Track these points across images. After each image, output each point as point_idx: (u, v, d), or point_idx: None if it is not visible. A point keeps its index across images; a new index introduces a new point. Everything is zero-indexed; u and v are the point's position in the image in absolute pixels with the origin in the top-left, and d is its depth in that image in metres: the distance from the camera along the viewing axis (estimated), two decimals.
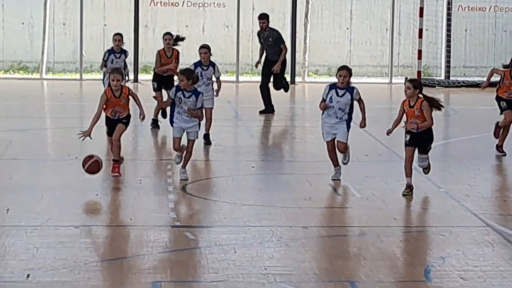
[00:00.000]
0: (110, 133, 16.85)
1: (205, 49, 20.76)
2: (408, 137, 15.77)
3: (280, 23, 33.49)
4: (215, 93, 20.70)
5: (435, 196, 16.03)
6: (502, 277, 11.81)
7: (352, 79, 33.95)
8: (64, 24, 34.24)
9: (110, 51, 23.01)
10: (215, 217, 14.51)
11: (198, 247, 12.85)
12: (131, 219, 14.24)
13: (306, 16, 33.01)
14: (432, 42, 33.09)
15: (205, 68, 20.50)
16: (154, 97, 19.19)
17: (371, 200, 15.75)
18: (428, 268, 12.16)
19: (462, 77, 33.18)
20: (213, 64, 20.75)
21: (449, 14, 33.04)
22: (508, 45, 34.65)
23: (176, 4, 33.99)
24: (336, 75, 17.12)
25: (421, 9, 31.39)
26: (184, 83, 16.40)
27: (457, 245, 13.03)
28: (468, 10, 34.18)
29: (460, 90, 31.24)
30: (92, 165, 16.17)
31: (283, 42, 25.40)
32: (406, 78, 31.98)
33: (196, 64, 20.49)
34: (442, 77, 32.90)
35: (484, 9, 34.34)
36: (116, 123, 16.68)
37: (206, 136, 20.37)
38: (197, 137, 17.07)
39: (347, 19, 34.49)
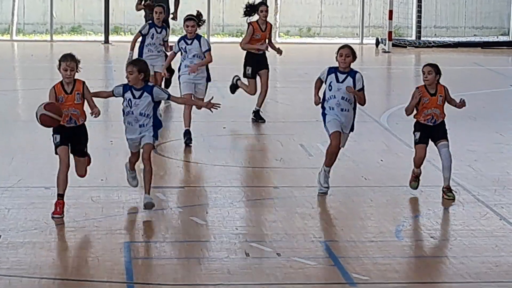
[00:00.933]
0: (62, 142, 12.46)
1: (192, 21, 17.38)
2: (418, 134, 13.41)
3: None
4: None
5: (406, 156, 16.04)
6: (472, 236, 11.89)
7: (323, 40, 34.21)
8: None
9: (151, 25, 19.77)
10: (186, 178, 14.52)
11: (169, 208, 12.87)
12: (102, 180, 14.22)
13: None
14: (403, 2, 33.10)
15: (189, 42, 17.33)
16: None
17: (342, 160, 15.72)
18: (399, 228, 12.23)
19: (433, 38, 33.23)
20: (198, 37, 17.57)
21: None
22: (479, 5, 34.76)
23: None
24: (336, 55, 13.51)
25: None
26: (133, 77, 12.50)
27: (428, 205, 13.11)
28: None
29: (431, 51, 31.28)
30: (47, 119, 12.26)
31: None
32: (379, 41, 32.05)
33: (180, 38, 17.57)
34: (413, 38, 32.94)
35: None
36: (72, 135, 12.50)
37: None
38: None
39: None
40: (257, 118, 19.19)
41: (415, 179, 13.67)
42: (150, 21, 20.01)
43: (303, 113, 20.27)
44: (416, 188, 13.67)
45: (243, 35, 20.65)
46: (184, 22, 17.29)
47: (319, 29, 34.58)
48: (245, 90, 19.45)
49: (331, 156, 13.04)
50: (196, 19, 17.23)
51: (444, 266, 10.97)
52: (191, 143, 16.59)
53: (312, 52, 30.75)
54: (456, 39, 33.09)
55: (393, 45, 31.31)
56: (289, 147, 16.86)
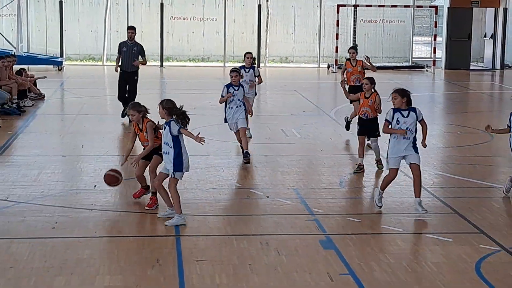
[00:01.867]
0: None
1: (235, 72, 13.63)
2: (358, 127, 12.82)
3: (251, 30, 33.32)
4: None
5: (346, 136, 16.00)
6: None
7: (295, 65, 33.82)
8: None
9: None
10: (211, 149, 14.41)
11: (200, 168, 12.79)
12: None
13: (267, 25, 32.80)
14: (344, 42, 32.94)
15: (236, 88, 13.56)
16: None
17: (307, 139, 15.74)
18: (342, 180, 12.19)
19: None
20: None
21: (354, 25, 32.89)
22: (391, 43, 34.65)
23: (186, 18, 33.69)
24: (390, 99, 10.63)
25: (337, 21, 31.25)
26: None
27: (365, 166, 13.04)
28: (367, 22, 34.06)
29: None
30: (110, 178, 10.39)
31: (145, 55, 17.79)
32: (329, 65, 31.89)
33: (228, 85, 13.63)
34: None
35: (376, 21, 34.25)
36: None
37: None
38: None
39: (292, 27, 34.30)
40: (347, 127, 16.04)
41: (358, 166, 12.65)
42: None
43: (283, 110, 20.24)
44: (355, 173, 12.53)
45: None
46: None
47: (293, 58, 34.45)
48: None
49: (387, 184, 10.41)
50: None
51: (371, 203, 10.95)
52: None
53: (288, 72, 30.66)
54: (377, 64, 32.81)
55: (338, 68, 31.16)
56: (275, 130, 16.80)
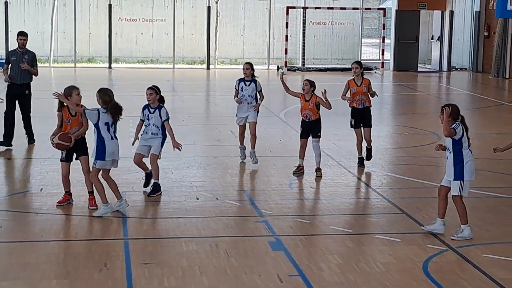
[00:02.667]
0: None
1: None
2: (301, 129, 12.61)
3: (200, 31, 33.26)
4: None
5: (296, 138, 16.05)
6: (336, 186, 11.92)
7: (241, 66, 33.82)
8: None
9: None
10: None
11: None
12: None
13: (216, 27, 32.77)
14: (294, 43, 33.11)
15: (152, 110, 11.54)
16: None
17: (259, 141, 15.73)
18: (291, 181, 12.23)
19: (312, 65, 33.29)
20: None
21: (304, 26, 33.07)
22: (340, 45, 34.92)
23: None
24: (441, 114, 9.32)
25: (287, 23, 31.37)
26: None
27: (308, 167, 13.08)
28: (316, 24, 34.29)
29: (311, 73, 31.32)
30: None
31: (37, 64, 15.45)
32: (279, 67, 32.00)
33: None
34: (300, 65, 32.95)
35: (325, 23, 34.48)
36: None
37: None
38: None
39: (241, 29, 34.36)
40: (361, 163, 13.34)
41: (298, 168, 12.53)
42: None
43: (233, 112, 20.14)
44: (294, 174, 12.43)
45: None
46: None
47: (242, 59, 34.45)
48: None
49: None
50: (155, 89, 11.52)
51: (320, 204, 10.99)
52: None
53: (237, 74, 30.57)
54: (326, 66, 33.20)
55: (288, 69, 31.34)
56: (224, 132, 16.78)
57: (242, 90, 13.58)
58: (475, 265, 8.43)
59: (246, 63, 13.89)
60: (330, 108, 12.49)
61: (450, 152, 9.45)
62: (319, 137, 12.57)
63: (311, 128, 12.57)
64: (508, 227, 9.95)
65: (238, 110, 13.55)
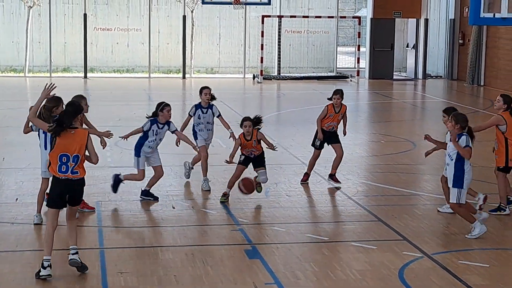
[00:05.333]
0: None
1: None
2: (243, 157, 11.51)
3: (176, 40, 33.26)
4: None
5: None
6: (312, 195, 11.97)
7: (221, 75, 33.83)
8: None
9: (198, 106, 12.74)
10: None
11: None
12: None
13: (192, 36, 32.75)
14: (269, 52, 33.18)
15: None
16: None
17: (216, 147, 15.73)
18: (267, 190, 12.25)
19: (288, 74, 33.36)
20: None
21: (279, 35, 33.14)
22: (315, 53, 35.04)
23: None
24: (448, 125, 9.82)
25: (262, 32, 31.40)
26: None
27: (284, 176, 13.15)
28: (291, 32, 34.37)
29: (286, 82, 31.41)
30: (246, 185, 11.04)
31: None
32: (255, 76, 32.06)
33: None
34: (276, 74, 33.00)
35: (301, 31, 34.61)
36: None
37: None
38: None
39: (217, 38, 34.38)
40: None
41: (224, 195, 11.47)
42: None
43: None
44: (221, 202, 11.33)
45: None
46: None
47: (218, 68, 34.52)
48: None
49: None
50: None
51: (296, 212, 11.00)
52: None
53: (213, 83, 30.65)
54: (302, 74, 33.29)
55: (264, 78, 31.39)
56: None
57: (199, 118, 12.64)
58: (450, 272, 8.51)
59: (205, 87, 12.81)
60: (274, 149, 11.60)
61: (452, 160, 9.67)
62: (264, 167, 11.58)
63: (254, 161, 11.59)
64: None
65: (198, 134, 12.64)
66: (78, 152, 8.08)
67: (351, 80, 31.92)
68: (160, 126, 11.38)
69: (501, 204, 10.98)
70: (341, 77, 32.96)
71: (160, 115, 11.32)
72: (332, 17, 33.66)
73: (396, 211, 11.01)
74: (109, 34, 33.43)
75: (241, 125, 11.45)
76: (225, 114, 20.88)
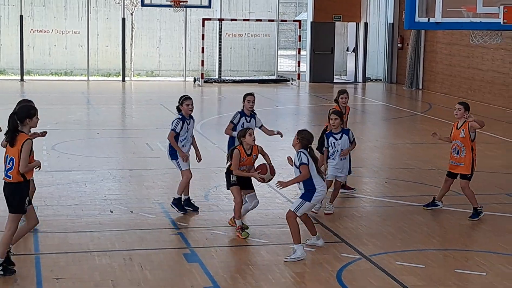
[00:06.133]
0: None
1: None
2: (235, 177, 10.05)
3: (116, 43, 33.00)
4: None
5: (211, 149, 16.11)
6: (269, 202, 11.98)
7: (161, 78, 33.71)
8: None
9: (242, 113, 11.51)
10: (74, 165, 14.20)
11: (61, 184, 12.57)
12: None
13: (132, 38, 32.53)
14: (210, 55, 33.16)
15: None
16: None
17: (156, 151, 15.68)
18: (207, 193, 12.24)
19: (229, 77, 33.38)
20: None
21: (220, 38, 33.16)
22: (256, 56, 35.16)
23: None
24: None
25: (203, 35, 31.38)
26: None
27: (224, 179, 13.11)
28: (232, 35, 34.43)
29: (227, 85, 31.43)
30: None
31: None
32: (195, 79, 31.96)
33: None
34: (217, 77, 33.01)
35: (242, 35, 34.68)
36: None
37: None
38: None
39: (157, 41, 34.23)
40: None
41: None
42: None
43: (148, 124, 20.11)
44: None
45: None
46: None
47: (159, 72, 34.37)
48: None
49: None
50: None
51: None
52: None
53: (154, 86, 30.52)
54: (243, 78, 33.35)
55: (205, 81, 31.36)
56: (139, 145, 16.69)
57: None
58: (387, 273, 8.62)
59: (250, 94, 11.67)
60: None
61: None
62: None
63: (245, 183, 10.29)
64: (419, 234, 10.20)
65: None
66: (13, 155, 8.02)
67: (292, 84, 32.10)
68: (188, 121, 11.08)
69: (478, 208, 10.96)
70: (282, 80, 33.12)
71: (181, 109, 11.03)
72: (273, 20, 33.83)
73: (335, 213, 11.11)
74: (46, 36, 33.04)
75: (244, 135, 10.02)
76: (166, 117, 20.95)
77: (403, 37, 32.37)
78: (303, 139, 9.31)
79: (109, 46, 33.54)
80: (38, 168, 8.31)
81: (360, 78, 33.50)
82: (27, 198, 8.19)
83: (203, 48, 31.50)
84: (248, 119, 11.50)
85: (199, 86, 30.79)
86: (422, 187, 13.04)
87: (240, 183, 10.10)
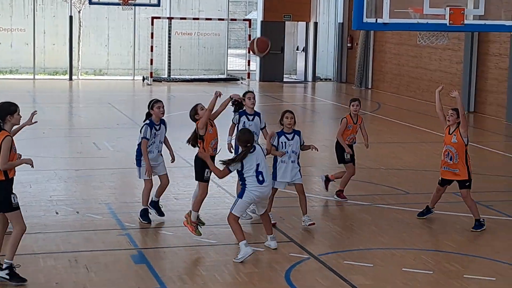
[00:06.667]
0: None
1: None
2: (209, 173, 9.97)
3: (63, 41, 32.62)
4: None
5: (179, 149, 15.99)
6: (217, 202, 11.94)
7: (109, 77, 33.44)
8: None
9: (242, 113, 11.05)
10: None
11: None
12: None
13: (79, 37, 32.17)
14: (160, 54, 32.99)
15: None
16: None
17: (120, 152, 15.61)
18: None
19: (178, 76, 33.25)
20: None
21: (169, 37, 33.02)
22: (206, 55, 35.07)
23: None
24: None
25: (152, 33, 31.20)
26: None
27: (173, 179, 13.01)
28: (182, 34, 34.27)
29: (177, 84, 31.32)
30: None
31: None
32: (144, 78, 31.80)
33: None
34: (166, 76, 32.85)
35: (191, 33, 34.55)
36: None
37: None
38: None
39: (106, 40, 33.92)
40: None
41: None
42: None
43: (96, 123, 19.94)
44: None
45: None
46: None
47: (107, 70, 34.06)
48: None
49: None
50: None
51: (184, 215, 10.95)
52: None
53: (102, 85, 30.26)
54: (193, 76, 33.25)
55: (154, 80, 31.18)
56: (87, 144, 16.52)
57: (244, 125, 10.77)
58: (336, 272, 8.66)
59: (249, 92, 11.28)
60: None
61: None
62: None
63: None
64: (368, 233, 10.28)
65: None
66: None
67: (241, 83, 32.10)
68: (157, 126, 10.53)
69: (480, 220, 10.62)
70: (232, 79, 33.11)
71: (152, 113, 10.49)
72: (223, 19, 33.80)
73: (284, 213, 11.13)
74: None
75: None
76: (114, 117, 20.81)
77: (352, 36, 32.61)
78: (238, 139, 9.31)
79: (56, 44, 33.14)
80: (31, 166, 8.14)
81: (310, 78, 33.66)
82: (12, 196, 7.98)
83: (152, 46, 31.33)
84: (251, 117, 10.85)
85: (148, 85, 30.62)
86: (371, 186, 13.15)
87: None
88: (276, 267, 8.78)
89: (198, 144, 10.04)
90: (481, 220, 10.64)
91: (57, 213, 10.83)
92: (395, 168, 11.49)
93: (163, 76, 32.71)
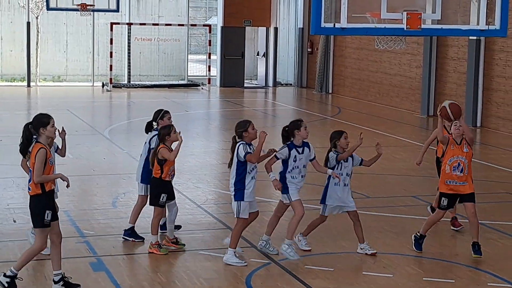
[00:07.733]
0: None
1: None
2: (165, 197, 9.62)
3: (20, 47, 32.30)
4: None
5: (121, 156, 15.93)
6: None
7: (68, 83, 33.14)
8: None
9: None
10: None
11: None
12: None
13: (37, 43, 31.88)
14: (119, 60, 32.82)
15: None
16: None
17: (79, 159, 15.47)
18: (114, 199, 12.09)
19: (138, 82, 33.12)
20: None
21: (129, 43, 32.90)
22: (166, 61, 34.97)
23: None
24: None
25: (111, 39, 31.05)
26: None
27: (133, 185, 12.92)
28: (141, 40, 34.13)
29: (137, 90, 31.17)
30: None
31: None
32: (104, 84, 31.58)
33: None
34: (126, 82, 32.70)
35: (151, 39, 34.43)
36: None
37: None
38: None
39: (64, 46, 33.66)
40: None
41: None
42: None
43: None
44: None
45: None
46: None
47: (66, 77, 33.78)
48: None
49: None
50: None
51: (144, 222, 10.88)
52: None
53: (60, 91, 30.01)
54: (153, 82, 33.14)
55: (113, 86, 31.00)
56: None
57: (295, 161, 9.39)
58: (296, 277, 8.70)
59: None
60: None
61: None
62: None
63: None
64: (328, 238, 10.33)
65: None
66: (31, 167, 7.83)
67: (202, 88, 32.08)
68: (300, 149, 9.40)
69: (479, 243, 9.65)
70: (192, 85, 33.07)
71: (160, 124, 9.76)
72: (183, 25, 33.75)
73: None
74: None
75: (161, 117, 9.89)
76: (73, 123, 20.64)
77: (312, 41, 32.78)
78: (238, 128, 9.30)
79: (13, 51, 32.82)
80: (66, 185, 7.96)
81: (270, 83, 33.74)
82: (49, 212, 7.81)
83: (111, 52, 31.17)
84: (300, 149, 9.46)
85: (108, 91, 30.45)
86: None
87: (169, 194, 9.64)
88: (236, 272, 8.78)
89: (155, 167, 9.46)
90: (479, 243, 9.68)
91: (14, 221, 10.73)
92: (355, 172, 11.53)
93: (123, 82, 32.56)
